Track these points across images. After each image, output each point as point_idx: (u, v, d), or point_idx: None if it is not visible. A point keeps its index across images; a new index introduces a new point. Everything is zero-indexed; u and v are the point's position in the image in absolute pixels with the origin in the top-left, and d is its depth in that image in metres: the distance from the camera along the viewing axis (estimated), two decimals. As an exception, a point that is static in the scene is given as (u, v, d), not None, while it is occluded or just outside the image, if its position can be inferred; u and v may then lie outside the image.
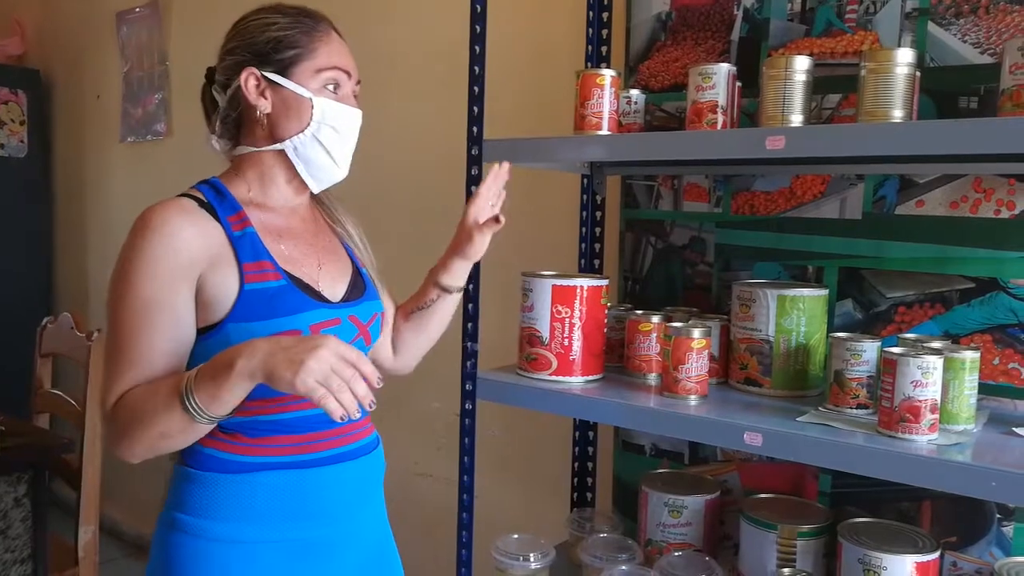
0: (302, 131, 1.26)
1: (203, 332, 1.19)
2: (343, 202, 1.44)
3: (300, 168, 1.28)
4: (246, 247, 1.21)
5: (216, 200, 1.24)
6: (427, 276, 1.47)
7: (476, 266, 1.66)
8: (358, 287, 1.34)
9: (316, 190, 1.32)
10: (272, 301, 1.19)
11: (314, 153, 1.27)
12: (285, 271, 1.23)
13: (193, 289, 1.17)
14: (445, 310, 1.49)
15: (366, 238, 1.43)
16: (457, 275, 1.45)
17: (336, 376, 1.03)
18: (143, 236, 1.16)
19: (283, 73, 1.24)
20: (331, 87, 1.26)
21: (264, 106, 1.25)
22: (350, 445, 1.30)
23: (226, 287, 1.18)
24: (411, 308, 1.49)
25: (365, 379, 1.06)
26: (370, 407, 1.06)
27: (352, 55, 1.31)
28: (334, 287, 1.30)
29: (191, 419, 1.08)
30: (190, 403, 1.07)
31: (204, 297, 1.18)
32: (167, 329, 1.15)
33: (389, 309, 1.48)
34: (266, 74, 1.24)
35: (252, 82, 1.25)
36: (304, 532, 1.24)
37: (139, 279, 1.15)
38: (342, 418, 1.04)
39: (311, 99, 1.25)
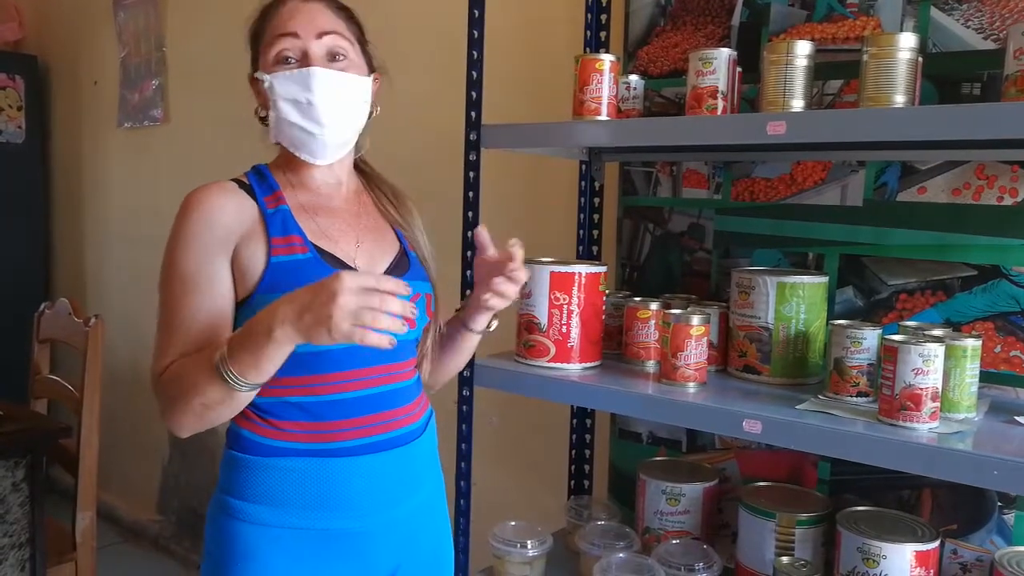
0: (271, 114, 1.27)
1: (240, 304, 1.22)
2: (399, 192, 1.43)
3: (292, 150, 1.29)
4: (277, 223, 1.24)
5: (257, 182, 1.29)
6: (456, 310, 1.45)
7: (474, 252, 1.65)
8: (401, 266, 1.32)
9: (319, 162, 1.29)
10: (297, 272, 1.19)
11: (287, 131, 1.27)
12: (314, 245, 1.24)
13: (229, 261, 1.21)
14: (468, 345, 1.46)
15: (425, 234, 1.41)
16: (480, 320, 1.41)
17: (366, 310, 1.01)
18: (184, 216, 1.22)
19: (255, 66, 1.29)
20: (287, 59, 1.25)
21: (259, 103, 1.30)
22: (384, 434, 1.27)
23: (255, 260, 1.21)
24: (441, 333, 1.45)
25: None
26: (412, 313, 1.05)
27: (318, 14, 1.26)
28: (372, 264, 1.29)
29: (230, 388, 1.09)
30: (227, 374, 1.08)
31: (238, 269, 1.21)
32: (206, 300, 1.19)
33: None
34: (255, 75, 1.29)
35: (252, 84, 1.31)
36: (329, 523, 1.23)
37: (180, 256, 1.20)
38: (391, 344, 1.03)
39: (266, 80, 1.26)
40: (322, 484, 1.22)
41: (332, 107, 1.25)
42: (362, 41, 1.33)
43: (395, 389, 1.30)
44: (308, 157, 1.28)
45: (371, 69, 1.35)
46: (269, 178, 1.30)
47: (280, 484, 1.22)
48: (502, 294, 1.31)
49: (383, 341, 1.02)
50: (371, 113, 1.35)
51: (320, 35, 1.25)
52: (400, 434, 1.29)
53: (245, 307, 1.21)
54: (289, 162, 1.32)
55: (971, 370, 1.31)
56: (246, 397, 1.13)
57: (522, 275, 1.31)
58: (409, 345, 1.34)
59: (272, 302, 1.09)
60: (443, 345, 1.44)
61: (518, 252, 1.28)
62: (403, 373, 1.32)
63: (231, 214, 1.22)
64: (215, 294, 1.20)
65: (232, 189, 1.25)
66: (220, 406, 1.13)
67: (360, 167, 1.43)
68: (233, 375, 1.08)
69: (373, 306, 1.01)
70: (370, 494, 1.25)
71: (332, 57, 1.26)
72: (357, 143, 1.38)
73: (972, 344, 1.31)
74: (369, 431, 1.25)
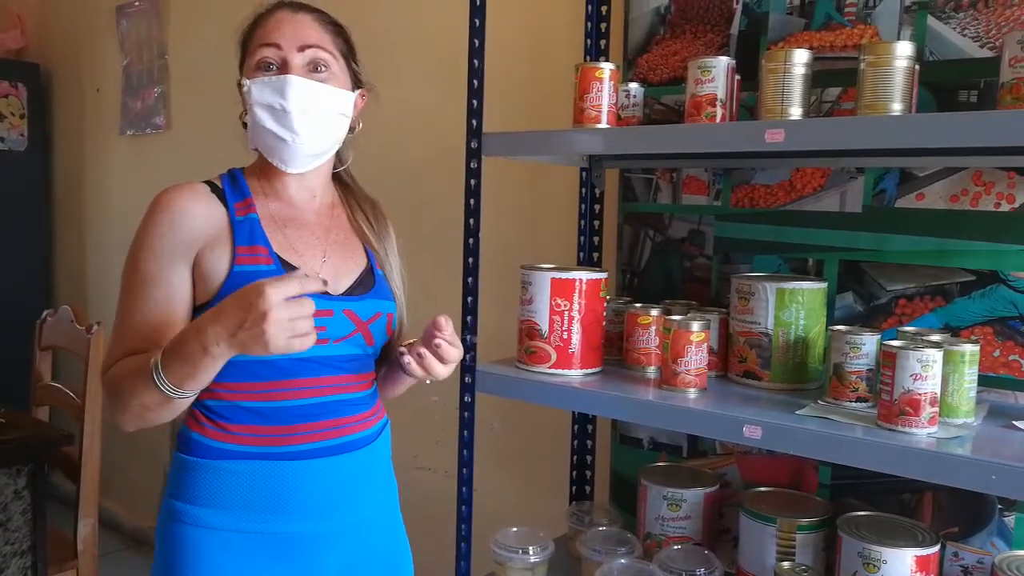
0: (248, 119, 1.28)
1: (199, 309, 1.22)
2: (377, 208, 1.42)
3: (265, 155, 1.29)
4: (244, 231, 1.24)
5: (230, 187, 1.29)
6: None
7: (475, 259, 1.67)
8: (364, 284, 1.32)
9: (290, 170, 1.29)
10: None
11: (262, 136, 1.27)
12: (279, 257, 1.24)
13: (190, 265, 1.23)
14: (404, 384, 1.45)
15: (399, 251, 1.40)
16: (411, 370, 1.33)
17: (299, 320, 1.03)
18: (152, 215, 1.23)
19: (241, 71, 1.30)
20: (268, 66, 1.25)
21: (244, 108, 1.30)
22: (336, 439, 1.27)
23: (218, 266, 1.22)
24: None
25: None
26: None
27: (305, 26, 1.27)
28: (336, 280, 1.29)
29: (164, 395, 1.10)
30: (161, 383, 1.09)
31: (200, 273, 1.23)
32: (161, 302, 1.20)
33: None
34: (240, 81, 1.29)
35: (239, 89, 1.30)
36: (277, 526, 1.23)
37: (142, 255, 1.22)
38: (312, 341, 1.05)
39: (245, 84, 1.27)
40: (270, 487, 1.22)
41: (306, 116, 1.25)
42: (348, 56, 1.33)
43: (349, 399, 1.30)
44: (280, 164, 1.28)
45: (357, 84, 1.35)
46: (242, 184, 1.30)
47: (228, 487, 1.22)
48: (426, 369, 1.24)
49: (307, 342, 1.04)
50: (353, 128, 1.35)
51: (302, 48, 1.26)
52: (352, 440, 1.29)
53: (203, 311, 1.18)
54: (264, 169, 1.32)
55: (969, 375, 1.32)
56: (183, 402, 1.14)
57: (452, 353, 1.23)
58: (367, 360, 1.34)
59: (200, 317, 1.10)
60: (385, 374, 1.43)
61: (444, 324, 1.22)
62: (359, 385, 1.32)
63: (198, 218, 1.23)
64: (171, 296, 1.21)
65: (202, 192, 1.26)
66: (159, 408, 1.14)
67: (342, 179, 1.43)
68: (168, 385, 1.09)
69: (304, 314, 1.03)
70: (319, 497, 1.25)
71: (313, 68, 1.27)
72: (339, 156, 1.38)
73: (970, 349, 1.32)
74: (320, 436, 1.26)
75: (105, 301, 3.93)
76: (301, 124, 1.25)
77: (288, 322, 1.02)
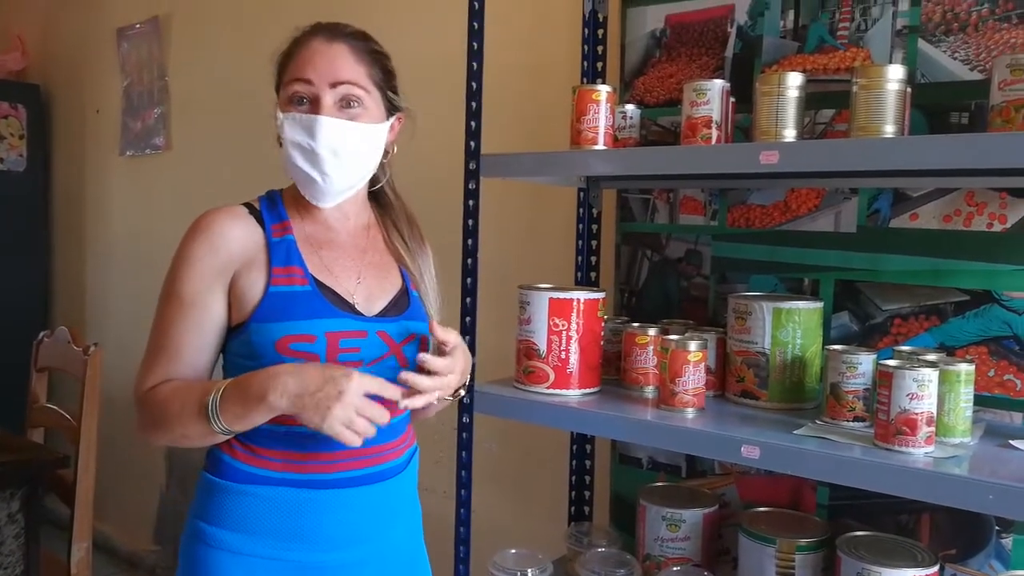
0: (282, 152, 1.28)
1: (234, 330, 1.24)
2: (414, 225, 1.41)
3: (300, 189, 1.30)
4: (280, 252, 1.25)
5: (267, 209, 1.30)
6: None
7: (474, 279, 1.67)
8: (399, 305, 1.31)
9: (322, 206, 1.29)
10: (292, 304, 1.21)
11: (294, 171, 1.28)
12: (315, 278, 1.24)
13: (227, 287, 1.24)
14: (433, 408, 1.42)
15: (436, 270, 1.40)
16: None
17: (361, 418, 1.09)
18: (191, 237, 1.25)
19: (277, 94, 1.30)
20: (300, 100, 1.24)
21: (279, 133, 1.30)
22: (365, 469, 1.26)
23: (254, 288, 1.23)
24: None
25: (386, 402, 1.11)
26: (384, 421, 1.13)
27: (338, 59, 1.25)
28: (370, 302, 1.28)
29: (212, 431, 1.14)
30: (215, 422, 1.13)
31: (235, 295, 1.24)
32: (199, 324, 1.22)
33: None
34: (276, 113, 1.29)
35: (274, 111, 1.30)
36: (302, 555, 1.22)
37: (180, 277, 1.23)
38: (356, 443, 1.11)
39: (279, 118, 1.27)
40: (298, 515, 1.22)
41: (336, 157, 1.24)
42: (383, 86, 1.30)
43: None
44: (311, 199, 1.29)
45: (393, 110, 1.33)
46: (280, 206, 1.31)
47: (255, 512, 1.22)
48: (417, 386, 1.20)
49: (355, 440, 1.10)
50: (387, 152, 1.35)
51: (335, 84, 1.24)
52: (381, 470, 1.28)
53: (240, 333, 1.22)
54: (299, 193, 1.32)
55: (965, 394, 1.32)
56: (223, 437, 1.18)
57: (437, 364, 1.20)
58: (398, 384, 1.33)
59: (280, 365, 1.13)
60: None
61: (441, 334, 1.22)
62: (391, 411, 1.30)
63: (236, 240, 1.24)
64: (208, 319, 1.23)
65: (241, 215, 1.27)
66: (200, 438, 1.19)
67: (379, 198, 1.41)
68: (221, 423, 1.13)
69: (370, 415, 1.10)
70: (346, 528, 1.24)
71: (345, 104, 1.25)
72: (375, 176, 1.36)
73: (966, 368, 1.32)
74: (350, 465, 1.25)
75: (104, 322, 3.93)
76: (331, 166, 1.24)
77: (354, 412, 1.09)
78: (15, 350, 3.33)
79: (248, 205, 1.30)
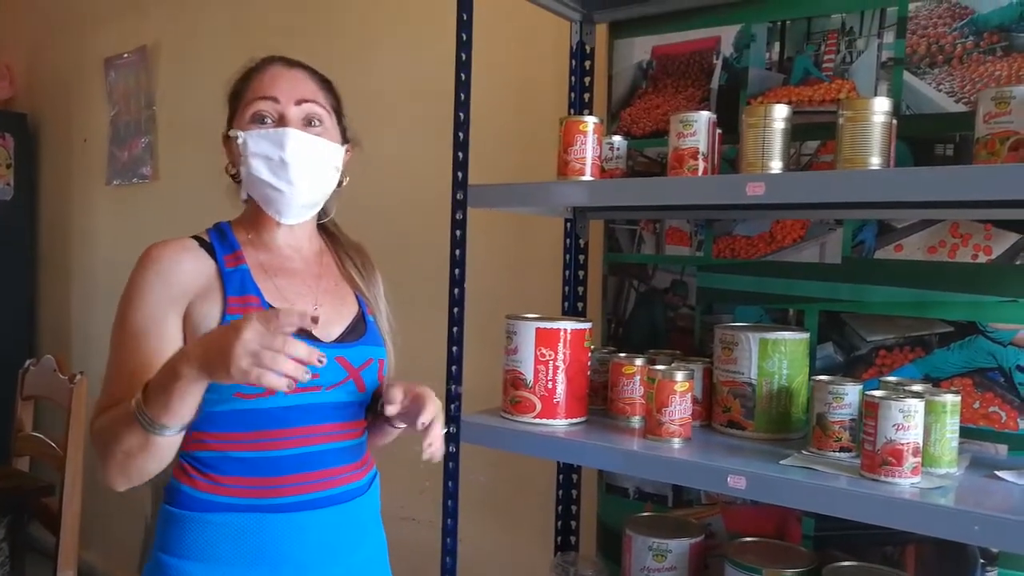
0: (242, 170, 1.29)
1: None
2: (364, 254, 1.44)
3: (262, 205, 1.31)
4: (235, 281, 1.25)
5: (218, 240, 1.30)
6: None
7: (461, 309, 1.67)
8: (356, 331, 1.33)
9: (284, 221, 1.31)
10: None
11: (258, 187, 1.29)
12: (271, 306, 1.24)
13: (180, 317, 1.23)
14: (391, 435, 1.44)
15: (385, 295, 1.42)
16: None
17: (266, 351, 0.99)
18: (140, 270, 1.24)
19: (230, 124, 1.32)
20: (263, 119, 1.27)
21: (230, 160, 1.32)
22: (326, 491, 1.26)
23: (210, 317, 1.22)
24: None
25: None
26: (319, 361, 1.02)
27: (301, 81, 1.31)
28: (328, 327, 1.29)
29: (146, 432, 1.07)
30: (142, 417, 1.06)
31: (190, 326, 1.22)
32: (152, 354, 1.19)
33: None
34: (229, 132, 1.31)
35: (225, 142, 1.33)
36: None
37: (132, 308, 1.22)
38: (289, 387, 1.00)
39: (240, 136, 1.28)
40: (259, 540, 1.21)
41: (303, 167, 1.27)
42: (338, 112, 1.37)
43: (340, 448, 1.29)
44: (275, 215, 1.30)
45: (345, 140, 1.38)
46: (230, 236, 1.31)
47: (215, 540, 1.20)
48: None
49: (280, 383, 1.00)
50: (340, 182, 1.38)
51: (299, 102, 1.29)
52: (342, 491, 1.28)
53: None
54: (253, 221, 1.33)
55: (951, 425, 1.32)
56: (166, 444, 1.10)
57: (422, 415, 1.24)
58: (358, 408, 1.33)
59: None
60: (372, 422, 1.40)
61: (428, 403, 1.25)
62: (349, 433, 1.31)
63: (188, 272, 1.24)
64: (161, 348, 1.19)
65: (191, 247, 1.27)
66: (141, 453, 1.10)
67: (327, 229, 1.45)
68: (148, 417, 1.06)
69: (275, 348, 0.99)
70: (309, 551, 1.23)
71: (308, 122, 1.30)
72: (324, 208, 1.39)
73: (952, 399, 1.33)
74: (310, 487, 1.24)
75: (89, 351, 3.90)
76: (298, 175, 1.27)
77: (257, 349, 0.98)
78: (0, 378, 3.31)
79: (197, 238, 1.30)
